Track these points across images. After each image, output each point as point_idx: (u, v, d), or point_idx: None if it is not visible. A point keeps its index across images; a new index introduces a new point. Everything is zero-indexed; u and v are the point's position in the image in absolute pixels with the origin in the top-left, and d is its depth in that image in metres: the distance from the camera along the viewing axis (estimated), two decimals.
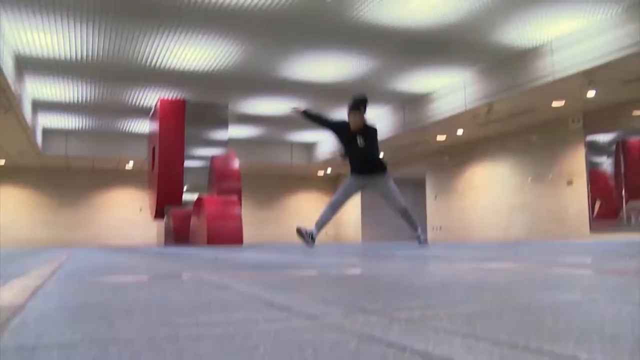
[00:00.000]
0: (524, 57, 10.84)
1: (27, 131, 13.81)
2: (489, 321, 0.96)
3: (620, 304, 1.17)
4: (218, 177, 14.04)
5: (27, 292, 1.58)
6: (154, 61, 11.29)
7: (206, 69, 11.85)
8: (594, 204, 12.29)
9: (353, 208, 22.99)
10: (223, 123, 15.25)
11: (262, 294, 1.46)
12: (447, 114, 13.14)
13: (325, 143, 19.30)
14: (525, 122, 13.41)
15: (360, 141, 7.12)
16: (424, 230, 7.41)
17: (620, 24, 9.13)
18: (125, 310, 1.20)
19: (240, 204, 13.35)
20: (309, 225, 7.50)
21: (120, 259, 4.51)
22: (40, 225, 20.54)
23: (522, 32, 9.98)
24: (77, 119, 16.03)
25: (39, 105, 14.38)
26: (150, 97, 14.13)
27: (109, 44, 10.29)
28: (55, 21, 9.13)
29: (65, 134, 17.62)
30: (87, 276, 2.47)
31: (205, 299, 1.37)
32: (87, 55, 10.80)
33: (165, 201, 14.81)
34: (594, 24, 9.53)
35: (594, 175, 12.37)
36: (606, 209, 12.05)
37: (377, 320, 0.98)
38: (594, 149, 12.39)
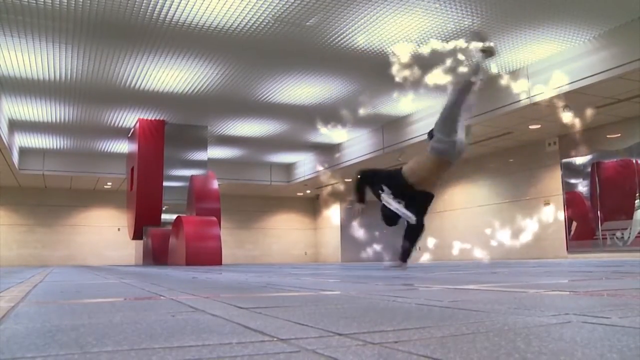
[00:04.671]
0: (501, 81, 10.98)
1: (4, 150, 13.65)
2: (462, 345, 0.97)
3: (592, 326, 1.18)
4: (197, 197, 13.99)
5: None
6: (133, 83, 11.26)
7: (185, 90, 11.84)
8: (571, 224, 12.42)
9: (332, 229, 22.99)
10: (202, 144, 15.24)
11: (237, 317, 1.45)
12: (426, 136, 13.22)
13: (305, 164, 19.31)
14: (503, 144, 13.57)
15: None
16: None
17: (594, 51, 9.32)
18: (99, 334, 1.18)
19: (219, 224, 13.30)
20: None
21: (96, 280, 4.46)
22: (17, 245, 20.24)
23: (499, 57, 10.13)
24: (54, 139, 15.89)
25: (16, 125, 14.23)
26: (129, 118, 14.06)
27: (87, 65, 10.25)
28: (33, 42, 9.09)
29: (43, 153, 17.45)
30: (62, 297, 2.44)
31: (180, 322, 1.37)
32: (65, 76, 10.74)
33: (144, 221, 14.70)
34: (569, 50, 9.72)
35: (570, 196, 12.52)
36: (582, 229, 12.18)
37: (350, 344, 0.98)
38: (570, 170, 12.55)
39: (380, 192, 6.21)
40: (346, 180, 19.02)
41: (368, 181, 6.56)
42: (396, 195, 6.15)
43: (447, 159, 6.33)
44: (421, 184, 6.27)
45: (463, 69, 6.78)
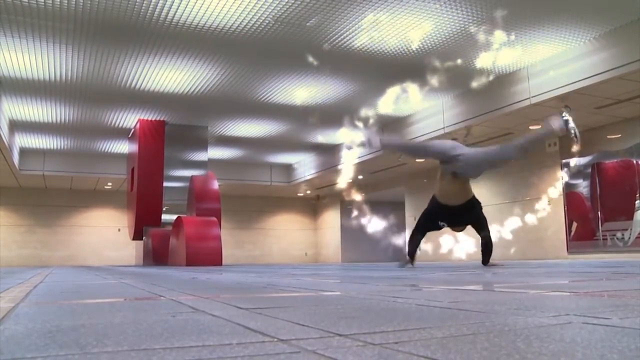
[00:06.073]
0: (501, 81, 10.98)
1: (4, 151, 13.65)
2: (463, 346, 0.97)
3: (592, 326, 1.18)
4: (197, 197, 14.00)
5: None
6: (133, 83, 11.26)
7: (185, 91, 11.84)
8: (571, 225, 12.42)
9: (333, 229, 22.99)
10: (202, 144, 15.24)
11: (237, 318, 1.45)
12: (426, 137, 13.24)
13: (305, 165, 19.31)
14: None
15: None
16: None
17: (594, 51, 9.32)
18: (99, 334, 1.18)
19: (220, 225, 13.30)
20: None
21: (96, 280, 4.45)
22: (17, 245, 20.24)
23: (499, 58, 10.12)
24: (55, 139, 15.89)
25: (17, 125, 14.24)
26: (130, 119, 14.07)
27: (88, 65, 10.25)
28: (33, 42, 9.09)
29: (43, 153, 17.45)
30: (62, 298, 2.44)
31: (180, 323, 1.36)
32: (65, 76, 10.75)
33: (144, 221, 14.71)
34: (569, 51, 9.71)
35: (570, 197, 12.51)
36: (583, 230, 12.17)
37: (351, 345, 0.98)
38: (570, 171, 12.55)
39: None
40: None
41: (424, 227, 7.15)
42: (442, 220, 6.91)
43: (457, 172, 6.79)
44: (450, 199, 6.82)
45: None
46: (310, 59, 9.75)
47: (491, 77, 10.64)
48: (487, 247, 6.98)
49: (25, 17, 8.20)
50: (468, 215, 6.96)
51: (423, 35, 9.11)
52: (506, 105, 10.94)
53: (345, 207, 22.27)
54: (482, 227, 7.02)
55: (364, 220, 21.72)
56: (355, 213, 21.94)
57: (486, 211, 13.99)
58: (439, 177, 6.85)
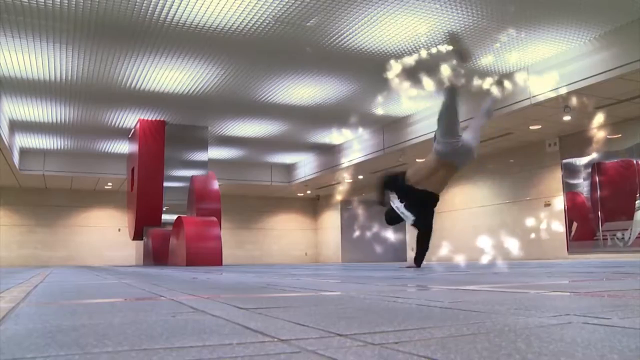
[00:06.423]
0: (501, 81, 10.97)
1: (4, 151, 13.64)
2: (463, 346, 0.97)
3: (593, 326, 1.18)
4: (197, 197, 14.00)
5: None
6: (133, 83, 11.26)
7: (186, 91, 11.83)
8: (571, 225, 12.42)
9: (332, 229, 22.99)
10: (202, 144, 15.24)
11: (237, 318, 1.45)
12: (426, 137, 13.23)
13: (305, 165, 19.31)
14: (503, 145, 13.56)
15: None
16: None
17: (594, 51, 9.32)
18: (100, 334, 1.18)
19: (220, 225, 13.30)
20: None
21: (97, 280, 4.45)
22: (17, 245, 20.23)
23: (499, 57, 10.13)
24: (55, 139, 15.89)
25: (17, 126, 14.23)
26: (130, 119, 14.06)
27: (88, 66, 10.25)
28: (33, 42, 9.08)
29: (43, 153, 17.44)
30: (62, 298, 2.44)
31: (180, 323, 1.36)
32: (65, 76, 10.74)
33: (144, 221, 14.71)
34: (569, 51, 9.71)
35: (570, 197, 12.51)
36: (583, 230, 12.17)
37: (351, 345, 0.98)
38: (570, 171, 12.55)
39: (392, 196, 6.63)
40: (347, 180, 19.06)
41: (391, 187, 6.77)
42: (400, 197, 6.48)
43: (449, 161, 6.41)
44: (420, 183, 6.40)
45: (448, 74, 7.02)
46: (310, 57, 9.77)
47: (492, 78, 10.65)
48: (427, 244, 6.71)
49: (25, 17, 8.20)
50: (430, 207, 6.69)
51: (424, 35, 9.10)
52: (506, 105, 10.93)
53: (346, 207, 22.29)
54: (430, 221, 6.71)
55: (364, 220, 21.74)
56: (355, 213, 22.00)
57: (486, 211, 14.05)
58: (441, 165, 6.43)
